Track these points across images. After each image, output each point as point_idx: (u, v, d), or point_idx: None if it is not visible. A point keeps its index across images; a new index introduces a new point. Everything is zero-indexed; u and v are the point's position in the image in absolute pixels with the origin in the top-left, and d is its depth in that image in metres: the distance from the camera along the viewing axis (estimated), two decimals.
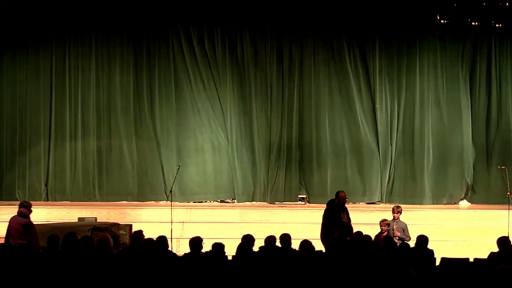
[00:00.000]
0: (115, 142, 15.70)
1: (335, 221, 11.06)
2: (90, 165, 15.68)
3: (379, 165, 15.64)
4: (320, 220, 11.30)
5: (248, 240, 9.01)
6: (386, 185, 15.65)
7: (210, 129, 15.65)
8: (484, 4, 14.39)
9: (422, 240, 9.06)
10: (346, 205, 11.48)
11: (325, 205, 11.55)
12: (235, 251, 8.87)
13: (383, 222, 11.17)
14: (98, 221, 12.83)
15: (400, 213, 11.47)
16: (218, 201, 15.67)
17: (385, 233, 10.94)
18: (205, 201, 15.60)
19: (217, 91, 15.61)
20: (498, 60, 15.70)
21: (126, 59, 15.73)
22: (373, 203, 15.50)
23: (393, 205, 11.82)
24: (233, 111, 15.65)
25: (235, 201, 15.50)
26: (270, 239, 9.05)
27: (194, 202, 15.38)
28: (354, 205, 15.01)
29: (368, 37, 15.66)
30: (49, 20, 15.44)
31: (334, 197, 11.56)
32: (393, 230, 11.16)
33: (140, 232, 9.34)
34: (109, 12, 15.41)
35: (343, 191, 11.64)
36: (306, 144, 15.72)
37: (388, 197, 15.60)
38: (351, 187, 15.30)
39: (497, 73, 15.70)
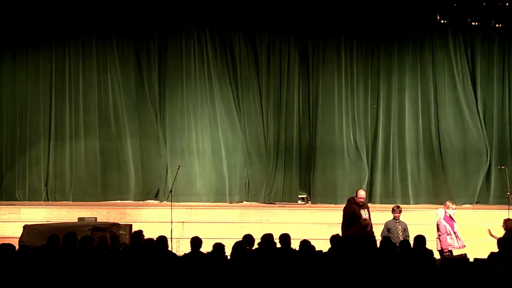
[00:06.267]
0: (115, 142, 15.69)
1: (355, 219, 11.06)
2: (90, 165, 15.67)
3: (378, 165, 15.64)
4: (321, 221, 11.28)
5: (244, 239, 9.00)
6: (386, 185, 15.65)
7: (210, 129, 15.63)
8: (484, 4, 14.38)
9: (420, 240, 9.05)
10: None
11: (325, 205, 11.54)
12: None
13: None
14: (98, 221, 12.83)
15: (401, 212, 11.47)
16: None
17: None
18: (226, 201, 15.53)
19: (216, 91, 15.59)
20: (498, 60, 15.70)
21: (126, 59, 15.72)
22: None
23: (393, 205, 11.83)
24: (232, 111, 15.63)
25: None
26: (267, 237, 9.03)
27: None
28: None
29: (367, 37, 15.66)
30: (49, 20, 15.44)
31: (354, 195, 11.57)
32: (397, 230, 11.16)
33: (140, 232, 9.33)
34: (109, 12, 15.40)
35: (363, 189, 11.60)
36: (306, 144, 15.72)
37: (388, 198, 15.60)
38: (352, 188, 15.25)
39: (497, 73, 15.70)
